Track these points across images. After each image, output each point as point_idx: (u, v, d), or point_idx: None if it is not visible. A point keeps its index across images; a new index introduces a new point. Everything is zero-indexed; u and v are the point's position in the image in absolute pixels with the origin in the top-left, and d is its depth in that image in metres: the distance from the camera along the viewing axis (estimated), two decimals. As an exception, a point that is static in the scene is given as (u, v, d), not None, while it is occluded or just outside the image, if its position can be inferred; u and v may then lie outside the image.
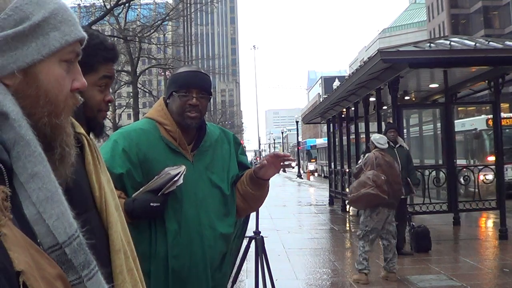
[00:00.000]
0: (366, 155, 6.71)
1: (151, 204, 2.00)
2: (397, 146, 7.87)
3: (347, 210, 13.56)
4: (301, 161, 45.35)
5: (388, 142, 7.82)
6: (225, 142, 2.33)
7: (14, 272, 0.68)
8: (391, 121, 9.51)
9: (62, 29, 0.91)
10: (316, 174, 38.61)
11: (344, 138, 15.40)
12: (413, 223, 8.15)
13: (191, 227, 2.11)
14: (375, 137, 6.71)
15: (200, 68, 2.36)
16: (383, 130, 8.82)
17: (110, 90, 1.65)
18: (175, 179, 2.01)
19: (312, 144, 45.69)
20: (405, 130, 10.86)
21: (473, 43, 9.23)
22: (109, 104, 1.57)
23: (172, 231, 2.08)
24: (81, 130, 1.31)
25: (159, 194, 2.02)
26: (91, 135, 1.46)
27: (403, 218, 7.87)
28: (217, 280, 2.21)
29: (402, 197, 7.80)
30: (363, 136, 12.86)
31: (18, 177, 0.81)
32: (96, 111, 1.51)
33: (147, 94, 37.16)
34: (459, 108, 17.26)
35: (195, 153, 2.21)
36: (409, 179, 7.82)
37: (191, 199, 2.13)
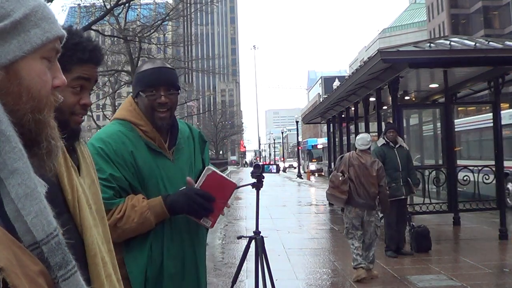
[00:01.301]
0: (344, 155, 6.88)
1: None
2: (397, 146, 7.88)
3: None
4: (302, 161, 45.23)
5: (387, 142, 7.88)
6: (191, 139, 2.31)
7: None
8: (391, 121, 9.51)
9: (42, 26, 0.90)
10: (323, 174, 38.40)
11: (344, 138, 15.40)
12: (413, 223, 8.16)
13: (182, 226, 2.12)
14: (357, 137, 6.87)
15: (164, 62, 2.26)
16: (383, 130, 8.82)
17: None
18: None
19: (313, 144, 45.45)
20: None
21: (473, 43, 9.23)
22: (87, 107, 1.43)
23: (166, 233, 2.08)
24: None
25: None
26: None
27: (403, 218, 7.89)
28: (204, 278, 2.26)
29: (402, 197, 7.84)
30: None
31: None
32: (68, 114, 1.38)
33: (147, 94, 37.07)
34: (459, 108, 17.21)
35: (173, 151, 2.17)
36: (409, 179, 7.84)
37: None
